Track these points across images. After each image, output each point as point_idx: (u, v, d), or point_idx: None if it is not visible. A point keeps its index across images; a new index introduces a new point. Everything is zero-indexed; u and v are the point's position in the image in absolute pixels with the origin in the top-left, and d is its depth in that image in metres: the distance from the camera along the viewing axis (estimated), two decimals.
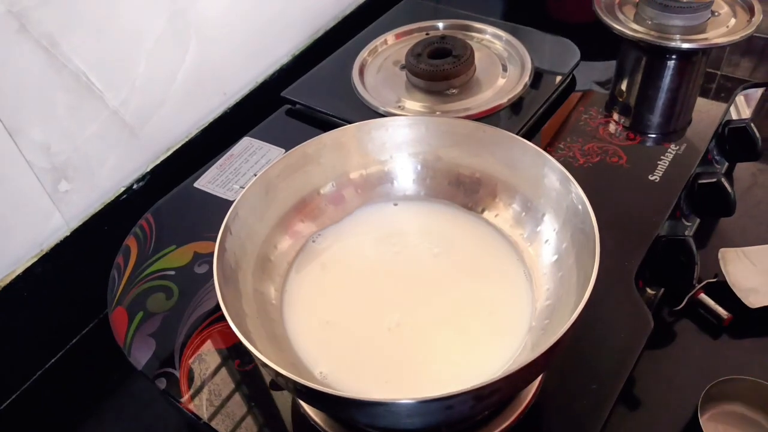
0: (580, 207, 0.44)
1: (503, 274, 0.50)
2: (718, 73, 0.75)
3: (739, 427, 0.52)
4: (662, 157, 0.63)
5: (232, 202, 0.47)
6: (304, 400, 0.47)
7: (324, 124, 0.70)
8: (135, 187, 0.68)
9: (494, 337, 0.46)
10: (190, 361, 0.51)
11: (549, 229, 0.49)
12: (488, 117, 0.67)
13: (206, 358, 0.51)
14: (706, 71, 0.73)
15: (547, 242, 0.49)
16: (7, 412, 0.59)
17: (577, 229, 0.45)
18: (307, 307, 0.49)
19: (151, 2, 0.64)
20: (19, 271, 0.59)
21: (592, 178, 0.62)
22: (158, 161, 0.70)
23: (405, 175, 0.56)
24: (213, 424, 0.48)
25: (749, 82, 0.73)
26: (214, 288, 0.42)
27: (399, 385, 0.44)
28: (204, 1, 0.69)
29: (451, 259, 0.51)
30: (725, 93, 0.71)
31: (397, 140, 0.54)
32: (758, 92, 0.75)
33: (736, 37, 0.64)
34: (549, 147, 0.66)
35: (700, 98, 0.70)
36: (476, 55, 0.71)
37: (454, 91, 0.70)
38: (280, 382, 0.39)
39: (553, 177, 0.47)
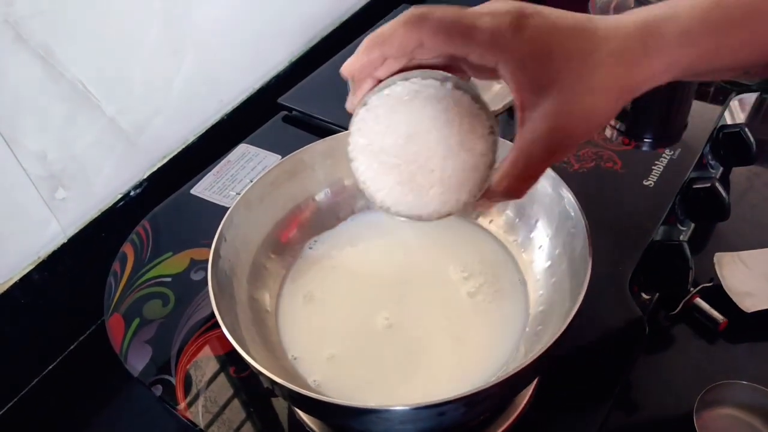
0: (572, 213, 0.44)
1: (498, 280, 0.50)
2: None
3: (735, 431, 0.52)
4: (657, 162, 0.63)
5: (228, 208, 0.48)
6: (298, 408, 0.47)
7: (320, 130, 0.70)
8: (132, 194, 0.68)
9: (488, 343, 0.46)
10: (187, 367, 0.51)
11: (542, 235, 0.49)
12: None
13: (202, 364, 0.52)
14: None
15: (541, 248, 0.49)
16: (4, 419, 0.59)
17: (569, 234, 0.45)
18: (302, 314, 0.49)
19: (147, 11, 0.64)
20: (16, 278, 0.59)
21: (587, 184, 0.62)
22: (155, 168, 0.70)
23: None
24: (209, 431, 0.48)
25: (745, 86, 0.74)
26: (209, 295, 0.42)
27: (393, 391, 0.44)
28: (200, 9, 0.69)
29: (446, 265, 0.51)
30: (722, 97, 0.72)
31: None
32: (752, 97, 0.76)
33: None
34: None
35: (696, 102, 0.70)
36: None
37: None
38: (275, 389, 0.39)
39: (545, 182, 0.47)
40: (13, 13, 0.53)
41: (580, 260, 0.42)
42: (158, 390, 0.50)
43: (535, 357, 0.36)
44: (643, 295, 0.57)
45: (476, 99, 0.35)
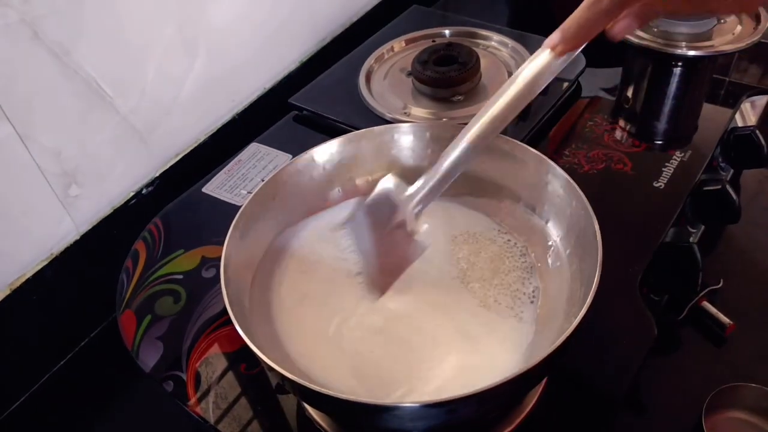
0: (583, 213, 0.44)
1: (512, 279, 0.50)
2: (727, 79, 0.75)
3: None
4: (667, 164, 0.63)
5: (239, 207, 0.48)
6: (309, 404, 0.48)
7: (331, 130, 0.71)
8: (144, 192, 0.69)
9: (499, 342, 0.46)
10: (197, 364, 0.52)
11: (553, 235, 0.49)
12: None
13: (213, 361, 0.52)
14: (715, 77, 0.73)
15: (551, 249, 0.49)
16: (16, 414, 0.60)
17: (580, 235, 0.45)
18: (308, 311, 0.49)
19: (161, 10, 0.65)
20: (29, 274, 0.60)
21: (597, 185, 0.62)
22: (167, 166, 0.71)
23: (410, 180, 0.56)
24: (220, 427, 0.49)
25: (756, 89, 0.73)
26: (221, 292, 0.42)
27: (401, 388, 0.44)
28: (212, 9, 0.70)
29: (459, 264, 0.51)
30: (733, 99, 0.72)
31: (402, 146, 0.55)
32: (764, 99, 0.75)
33: (741, 45, 0.64)
34: (554, 154, 0.66)
35: (706, 104, 0.70)
36: (482, 62, 0.72)
37: (460, 97, 0.70)
38: (285, 385, 0.40)
39: (556, 183, 0.48)
40: (30, 12, 0.54)
41: (590, 261, 0.42)
42: (169, 386, 0.51)
43: (544, 356, 0.36)
44: (653, 297, 0.57)
45: None
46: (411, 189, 0.47)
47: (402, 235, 0.47)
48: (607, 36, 0.42)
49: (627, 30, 0.41)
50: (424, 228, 0.47)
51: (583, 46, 0.42)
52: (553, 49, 0.42)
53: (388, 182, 0.47)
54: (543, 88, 0.44)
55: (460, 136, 0.45)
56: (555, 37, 0.41)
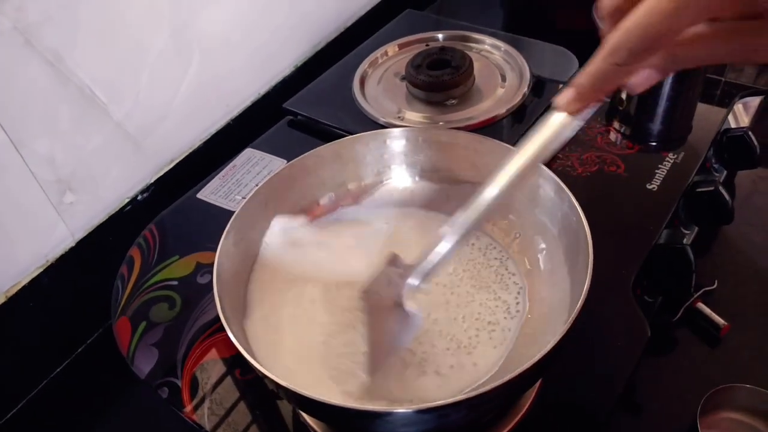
0: (574, 217, 0.44)
1: (500, 283, 0.50)
2: (722, 79, 0.75)
3: None
4: (660, 166, 0.63)
5: (234, 212, 0.48)
6: (302, 410, 0.48)
7: (325, 135, 0.71)
8: (139, 198, 0.69)
9: (491, 347, 0.46)
10: (193, 370, 0.52)
11: (545, 238, 0.49)
12: (488, 127, 0.68)
13: (208, 367, 0.52)
14: (711, 77, 0.74)
15: (543, 252, 0.49)
16: (12, 421, 0.60)
17: (572, 238, 0.45)
18: (305, 316, 0.49)
19: (155, 16, 0.65)
20: (24, 281, 0.60)
21: (590, 188, 0.62)
22: (162, 173, 0.71)
23: (402, 185, 0.56)
24: None
25: (751, 89, 0.74)
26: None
27: (395, 393, 0.44)
28: (207, 14, 0.70)
29: (450, 268, 0.51)
30: (729, 99, 0.72)
31: (395, 151, 0.55)
32: (756, 100, 0.76)
33: None
34: None
35: (700, 105, 0.70)
36: (475, 65, 0.72)
37: (453, 101, 0.71)
38: (279, 392, 0.40)
39: (547, 187, 0.48)
40: (23, 19, 0.54)
41: (582, 264, 0.42)
42: (165, 392, 0.51)
43: (536, 360, 0.36)
44: (647, 299, 0.58)
45: None
46: (412, 267, 0.42)
47: (398, 313, 0.43)
48: (627, 89, 0.36)
49: (648, 83, 0.34)
50: (417, 306, 0.43)
51: (601, 103, 0.36)
52: (566, 109, 0.36)
53: (387, 261, 0.43)
54: (559, 150, 0.38)
55: (464, 213, 0.41)
56: (567, 95, 0.36)
